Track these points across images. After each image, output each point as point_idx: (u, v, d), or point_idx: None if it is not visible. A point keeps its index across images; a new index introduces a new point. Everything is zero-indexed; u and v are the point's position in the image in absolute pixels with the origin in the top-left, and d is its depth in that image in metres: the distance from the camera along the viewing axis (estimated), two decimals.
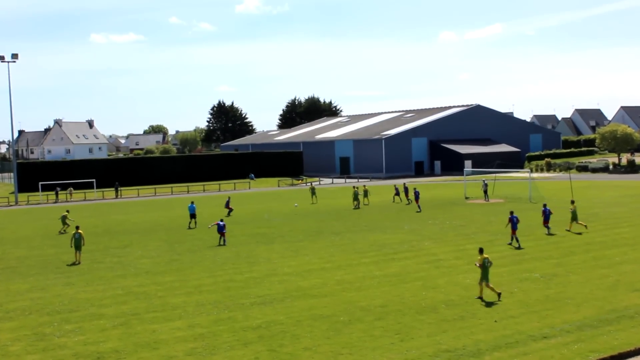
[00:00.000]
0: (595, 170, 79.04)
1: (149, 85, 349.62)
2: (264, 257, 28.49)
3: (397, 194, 52.13)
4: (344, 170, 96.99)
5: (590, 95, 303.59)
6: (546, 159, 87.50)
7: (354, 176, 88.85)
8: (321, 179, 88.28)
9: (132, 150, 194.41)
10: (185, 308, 19.97)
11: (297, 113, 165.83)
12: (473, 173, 67.85)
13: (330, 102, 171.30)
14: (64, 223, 40.83)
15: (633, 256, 25.61)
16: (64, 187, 72.55)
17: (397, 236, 33.12)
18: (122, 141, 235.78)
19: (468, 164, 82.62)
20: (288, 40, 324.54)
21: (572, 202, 33.56)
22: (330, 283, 22.73)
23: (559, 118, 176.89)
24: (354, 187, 50.21)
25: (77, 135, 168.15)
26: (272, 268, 25.86)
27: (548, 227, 32.09)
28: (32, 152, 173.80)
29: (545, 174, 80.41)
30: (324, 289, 21.82)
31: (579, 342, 15.51)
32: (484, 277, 19.73)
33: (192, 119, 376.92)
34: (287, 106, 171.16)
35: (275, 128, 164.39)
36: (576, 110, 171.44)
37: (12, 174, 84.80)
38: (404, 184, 53.58)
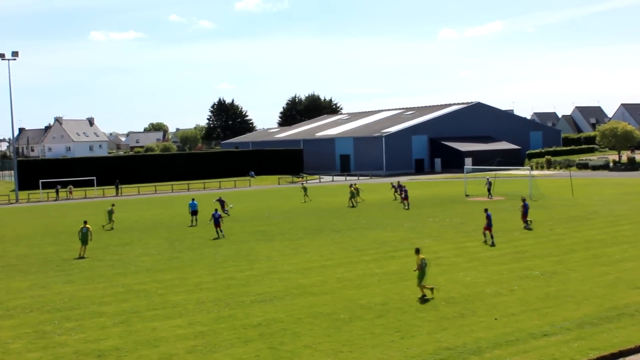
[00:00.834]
0: (595, 168, 79.01)
1: (149, 83, 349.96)
2: (264, 254, 28.51)
3: (396, 190, 52.38)
4: (345, 167, 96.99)
5: (590, 92, 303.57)
6: (546, 157, 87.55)
7: (355, 174, 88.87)
8: (321, 176, 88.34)
9: (132, 148, 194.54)
10: (186, 306, 19.99)
11: (298, 110, 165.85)
12: (473, 171, 67.85)
13: (331, 100, 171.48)
14: (110, 219, 39.41)
15: (633, 254, 25.61)
16: (65, 184, 72.56)
17: (397, 234, 33.13)
18: (123, 139, 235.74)
19: (468, 161, 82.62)
20: (288, 38, 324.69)
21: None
22: (330, 281, 22.75)
23: (559, 115, 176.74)
24: (350, 185, 50.38)
25: (77, 133, 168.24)
26: (272, 266, 25.88)
27: (526, 222, 32.77)
28: (32, 150, 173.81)
29: (546, 172, 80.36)
30: (324, 287, 21.83)
31: (579, 339, 15.51)
32: (421, 277, 19.75)
33: (193, 116, 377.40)
34: (287, 104, 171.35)
35: (276, 126, 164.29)
36: (576, 107, 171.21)
37: (12, 171, 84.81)
38: (398, 182, 53.89)
